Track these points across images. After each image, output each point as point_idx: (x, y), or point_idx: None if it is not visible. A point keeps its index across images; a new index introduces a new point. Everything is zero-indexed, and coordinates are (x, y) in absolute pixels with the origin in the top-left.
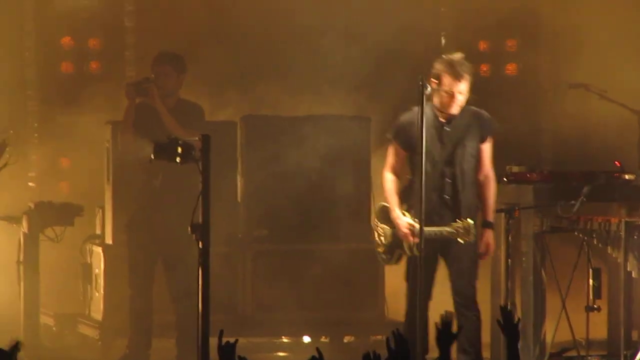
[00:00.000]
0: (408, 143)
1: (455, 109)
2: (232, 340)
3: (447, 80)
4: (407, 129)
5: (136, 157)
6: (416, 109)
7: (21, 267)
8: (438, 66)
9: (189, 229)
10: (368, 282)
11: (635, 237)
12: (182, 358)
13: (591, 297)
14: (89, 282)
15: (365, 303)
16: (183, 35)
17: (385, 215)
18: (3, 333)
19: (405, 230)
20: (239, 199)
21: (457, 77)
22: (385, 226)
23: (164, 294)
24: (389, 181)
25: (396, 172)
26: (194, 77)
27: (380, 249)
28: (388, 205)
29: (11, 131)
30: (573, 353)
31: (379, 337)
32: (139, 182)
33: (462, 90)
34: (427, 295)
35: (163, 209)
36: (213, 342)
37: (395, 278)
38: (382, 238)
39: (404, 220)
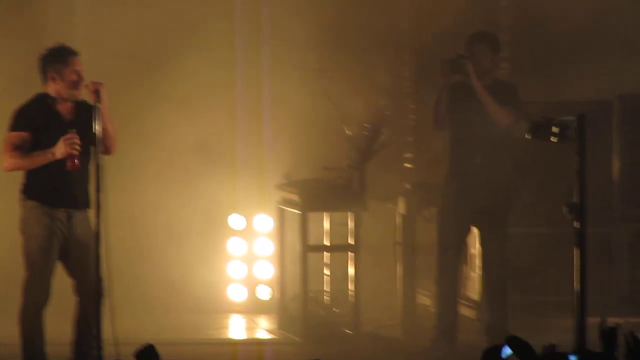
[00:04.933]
0: None
1: None
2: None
3: None
4: None
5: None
6: None
7: (398, 248)
8: None
9: (564, 208)
10: None
11: None
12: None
13: None
14: (464, 262)
15: None
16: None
17: None
18: (382, 312)
19: None
20: (613, 179)
21: None
22: None
23: None
24: None
25: None
26: None
27: None
28: None
29: (388, 112)
30: None
31: None
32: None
33: None
34: None
35: (482, 186)
36: (591, 322)
37: None
38: None
39: None
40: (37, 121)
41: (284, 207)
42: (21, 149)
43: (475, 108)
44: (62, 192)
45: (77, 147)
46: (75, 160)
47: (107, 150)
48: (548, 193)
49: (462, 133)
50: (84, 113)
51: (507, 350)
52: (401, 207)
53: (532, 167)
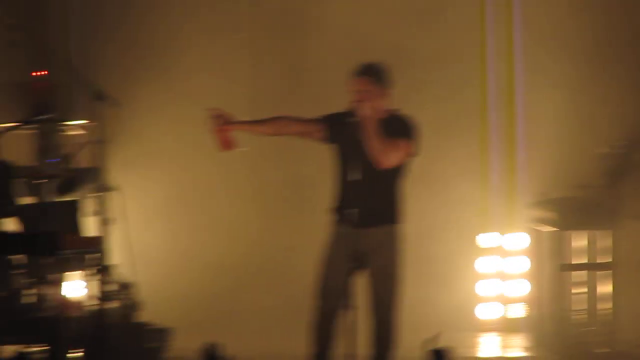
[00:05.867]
0: None
1: None
2: None
3: None
4: None
5: None
6: None
7: None
8: None
9: None
10: None
11: None
12: None
13: None
14: None
15: None
16: None
17: None
18: (635, 331)
19: None
20: None
21: None
22: None
23: None
24: None
25: None
26: None
27: None
28: None
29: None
30: None
31: None
32: None
33: None
34: None
35: None
36: None
37: None
38: None
39: None
40: (337, 123)
41: (539, 226)
42: (292, 127)
43: None
44: (347, 208)
45: (213, 125)
46: (226, 141)
47: (377, 164)
48: None
49: None
50: (388, 128)
51: None
52: None
53: None
